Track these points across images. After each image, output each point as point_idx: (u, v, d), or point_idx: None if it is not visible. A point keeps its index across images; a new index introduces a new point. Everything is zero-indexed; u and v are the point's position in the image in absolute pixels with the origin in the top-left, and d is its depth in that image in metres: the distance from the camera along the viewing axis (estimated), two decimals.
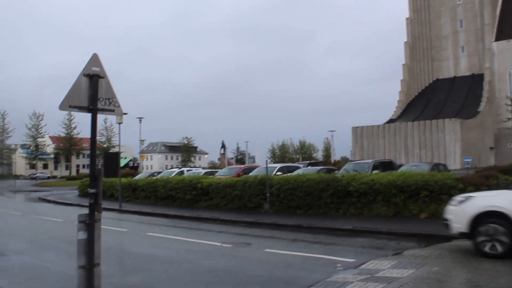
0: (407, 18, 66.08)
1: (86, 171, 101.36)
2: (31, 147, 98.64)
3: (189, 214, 19.74)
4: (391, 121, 59.26)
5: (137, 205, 25.06)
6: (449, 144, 49.68)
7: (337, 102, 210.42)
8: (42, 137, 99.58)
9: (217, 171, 32.49)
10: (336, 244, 12.13)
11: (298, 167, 27.59)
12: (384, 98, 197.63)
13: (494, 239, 9.05)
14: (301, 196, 18.29)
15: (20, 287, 8.42)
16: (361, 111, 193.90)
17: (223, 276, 8.79)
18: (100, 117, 5.62)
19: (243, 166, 34.21)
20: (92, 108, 5.51)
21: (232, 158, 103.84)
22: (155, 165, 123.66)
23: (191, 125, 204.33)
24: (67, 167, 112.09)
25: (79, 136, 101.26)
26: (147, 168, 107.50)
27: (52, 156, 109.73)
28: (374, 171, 21.20)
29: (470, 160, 34.07)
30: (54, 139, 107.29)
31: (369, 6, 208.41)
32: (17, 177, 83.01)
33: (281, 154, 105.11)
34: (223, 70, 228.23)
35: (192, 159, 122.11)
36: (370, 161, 25.41)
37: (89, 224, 5.38)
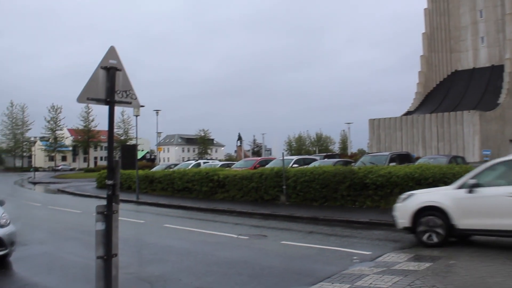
0: (425, 9, 65.27)
1: (103, 163, 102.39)
2: (50, 139, 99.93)
3: (205, 206, 19.85)
4: (408, 113, 58.73)
5: (154, 197, 25.28)
6: (467, 137, 49.11)
7: (354, 94, 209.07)
8: (61, 130, 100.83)
9: (234, 163, 32.57)
10: (353, 236, 12.10)
11: (314, 160, 27.52)
12: (401, 90, 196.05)
13: (431, 230, 10.06)
14: (318, 189, 18.27)
15: (41, 276, 8.56)
16: (378, 103, 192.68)
17: (239, 267, 8.84)
18: (117, 109, 5.67)
19: (260, 158, 34.24)
20: (110, 101, 5.55)
21: (248, 151, 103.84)
22: (172, 157, 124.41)
23: (208, 117, 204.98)
24: (85, 159, 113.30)
25: (97, 128, 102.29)
26: (164, 160, 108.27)
27: (70, 148, 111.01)
28: (391, 164, 21.06)
29: (489, 152, 33.67)
30: (72, 131, 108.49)
31: None
32: (36, 169, 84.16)
33: (297, 146, 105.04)
34: (240, 61, 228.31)
35: (209, 151, 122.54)
36: (387, 153, 25.24)
37: (107, 215, 5.44)
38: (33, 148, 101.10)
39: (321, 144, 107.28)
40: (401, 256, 9.21)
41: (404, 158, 23.96)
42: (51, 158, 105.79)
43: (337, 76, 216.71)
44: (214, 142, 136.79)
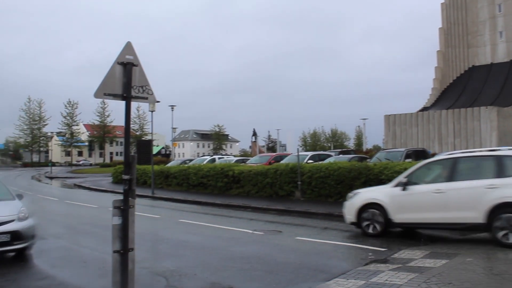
0: (442, 3, 64.46)
1: (119, 158, 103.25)
2: (66, 134, 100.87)
3: (220, 201, 19.90)
4: (424, 109, 58.21)
5: (169, 192, 25.41)
6: (484, 133, 48.53)
7: (369, 89, 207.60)
8: (77, 125, 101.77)
9: (249, 159, 32.59)
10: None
11: (329, 155, 27.42)
12: (417, 85, 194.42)
13: (373, 222, 11.33)
14: (333, 184, 18.21)
15: (59, 269, 8.67)
16: (394, 99, 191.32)
17: (254, 262, 8.86)
18: (133, 105, 5.70)
19: (274, 154, 34.18)
20: (126, 96, 5.58)
21: (263, 146, 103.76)
22: (187, 153, 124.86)
23: (222, 113, 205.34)
24: (101, 155, 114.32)
25: (113, 124, 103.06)
26: (179, 156, 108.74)
27: (86, 143, 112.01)
28: (407, 160, 20.90)
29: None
30: (88, 127, 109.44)
31: None
32: (53, 164, 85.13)
33: (312, 142, 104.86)
34: (254, 57, 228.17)
35: (224, 147, 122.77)
36: (402, 149, 25.06)
37: (124, 209, 5.48)
38: (50, 143, 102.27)
39: (336, 140, 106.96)
40: (416, 253, 9.15)
41: (420, 154, 23.76)
42: (68, 153, 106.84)
43: (352, 72, 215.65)
44: (229, 137, 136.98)
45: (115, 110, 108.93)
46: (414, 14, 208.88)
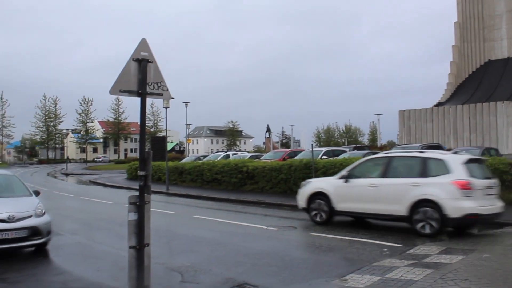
0: None
1: (133, 154, 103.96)
2: (81, 131, 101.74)
3: (234, 197, 19.93)
4: (439, 104, 57.67)
5: (183, 188, 25.51)
6: (501, 128, 47.93)
7: (384, 85, 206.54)
8: (92, 122, 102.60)
9: (263, 155, 32.58)
10: (383, 228, 11.99)
11: (343, 151, 27.32)
12: (432, 80, 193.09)
13: (319, 211, 12.78)
14: None
15: (75, 264, 8.75)
16: (409, 95, 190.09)
17: (269, 258, 8.86)
18: (147, 101, 5.71)
19: (289, 150, 34.12)
20: (141, 92, 5.61)
21: (277, 142, 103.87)
22: (201, 149, 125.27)
23: (236, 109, 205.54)
24: (116, 151, 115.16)
25: (127, 120, 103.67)
26: (193, 152, 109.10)
27: (101, 140, 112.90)
28: None
29: None
30: (102, 123, 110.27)
31: None
32: (68, 160, 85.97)
33: (326, 138, 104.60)
34: (268, 54, 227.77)
35: (237, 143, 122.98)
36: (417, 145, 24.90)
37: (139, 205, 5.51)
38: (65, 140, 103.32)
39: (350, 136, 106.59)
40: (432, 248, 9.09)
41: (435, 149, 23.54)
42: (83, 150, 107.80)
43: (366, 67, 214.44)
44: (243, 133, 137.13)
45: (129, 107, 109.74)
46: (427, 9, 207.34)
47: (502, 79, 57.54)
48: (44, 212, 9.57)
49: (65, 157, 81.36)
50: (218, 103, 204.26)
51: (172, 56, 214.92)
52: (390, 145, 60.32)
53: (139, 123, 5.79)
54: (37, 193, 10.48)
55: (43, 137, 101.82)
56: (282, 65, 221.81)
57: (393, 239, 10.38)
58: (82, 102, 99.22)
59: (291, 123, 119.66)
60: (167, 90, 5.92)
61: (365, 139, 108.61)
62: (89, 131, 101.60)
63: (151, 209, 5.74)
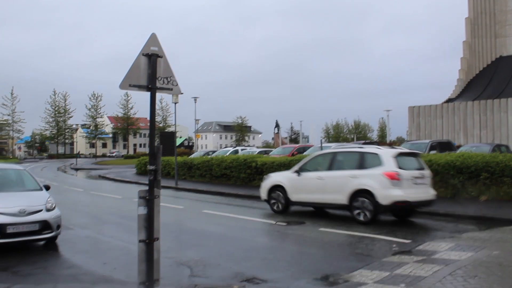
0: None
1: (143, 150, 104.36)
2: (91, 127, 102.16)
3: (243, 193, 19.95)
4: (449, 100, 57.25)
5: (192, 183, 25.58)
6: None
7: (393, 81, 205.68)
8: (101, 117, 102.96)
9: (271, 151, 32.56)
10: (392, 224, 11.96)
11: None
12: (442, 77, 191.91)
13: (277, 201, 14.28)
14: None
15: (85, 258, 8.82)
16: (418, 91, 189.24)
17: (278, 253, 8.88)
18: (156, 97, 5.72)
19: (297, 145, 34.08)
20: (151, 87, 5.62)
21: (286, 138, 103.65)
22: (210, 144, 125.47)
23: (245, 104, 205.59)
24: (125, 146, 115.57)
25: (136, 116, 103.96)
26: (201, 147, 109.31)
27: (110, 135, 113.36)
28: (432, 152, 20.65)
29: None
30: (112, 119, 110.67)
31: None
32: (78, 155, 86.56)
33: (335, 133, 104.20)
34: (276, 49, 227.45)
35: (246, 138, 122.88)
36: (427, 141, 24.74)
37: (149, 199, 5.53)
38: (75, 135, 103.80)
39: (359, 132, 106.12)
40: (441, 245, 9.05)
41: (445, 146, 23.44)
42: (92, 145, 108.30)
43: (375, 63, 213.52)
44: (252, 129, 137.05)
45: (138, 102, 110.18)
46: (437, 5, 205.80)
47: None
48: (54, 206, 9.64)
49: (75, 152, 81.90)
50: (227, 99, 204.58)
51: (181, 52, 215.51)
52: (399, 141, 60.00)
53: (148, 118, 5.81)
54: (47, 188, 10.57)
55: (53, 132, 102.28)
56: (291, 60, 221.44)
57: (402, 235, 10.35)
58: (92, 97, 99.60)
59: (300, 119, 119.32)
60: (177, 85, 5.93)
61: (374, 135, 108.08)
62: (99, 126, 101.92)
63: (160, 203, 5.76)
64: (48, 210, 9.37)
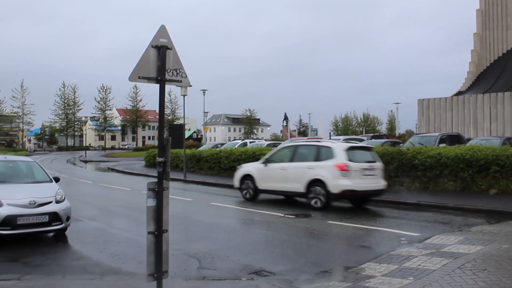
0: None
1: (151, 142, 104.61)
2: (100, 119, 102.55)
3: None
4: (459, 93, 56.82)
5: (201, 176, 25.63)
6: None
7: (403, 74, 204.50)
8: (110, 110, 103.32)
9: (280, 143, 32.50)
10: (400, 218, 11.94)
11: (361, 140, 27.14)
12: (452, 69, 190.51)
13: (248, 189, 15.70)
14: None
15: (94, 250, 8.87)
16: (428, 83, 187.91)
17: (286, 246, 8.89)
18: (165, 89, 5.72)
19: (306, 138, 34.03)
20: (160, 79, 5.61)
21: (294, 131, 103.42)
22: (218, 137, 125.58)
23: (254, 97, 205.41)
24: (133, 139, 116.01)
25: (145, 108, 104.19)
26: (210, 140, 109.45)
27: (119, 128, 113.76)
28: (441, 145, 20.54)
29: None
30: (121, 111, 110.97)
31: None
32: (87, 148, 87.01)
33: (343, 126, 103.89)
34: (285, 42, 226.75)
35: (255, 131, 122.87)
36: (436, 134, 24.61)
37: (158, 191, 5.54)
38: (84, 128, 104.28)
39: (368, 125, 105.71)
40: (450, 238, 9.02)
41: (454, 139, 23.29)
42: (101, 138, 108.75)
43: (385, 56, 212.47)
44: (260, 122, 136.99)
45: (147, 95, 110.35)
46: None
47: None
48: (64, 198, 9.70)
49: (84, 145, 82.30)
50: (236, 91, 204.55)
51: (190, 44, 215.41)
52: (408, 134, 59.69)
53: (157, 111, 5.81)
54: (57, 179, 10.63)
55: (63, 124, 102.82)
56: (300, 53, 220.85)
57: (411, 228, 10.33)
58: (101, 90, 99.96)
59: (308, 111, 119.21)
60: (186, 77, 5.92)
61: (383, 128, 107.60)
62: (108, 118, 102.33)
63: (169, 196, 5.78)
64: (57, 202, 9.43)
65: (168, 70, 5.69)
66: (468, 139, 26.78)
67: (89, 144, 74.88)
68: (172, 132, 40.94)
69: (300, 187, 13.85)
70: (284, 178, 14.46)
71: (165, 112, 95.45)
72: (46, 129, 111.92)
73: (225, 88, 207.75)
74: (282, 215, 12.53)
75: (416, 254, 7.79)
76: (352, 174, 13.09)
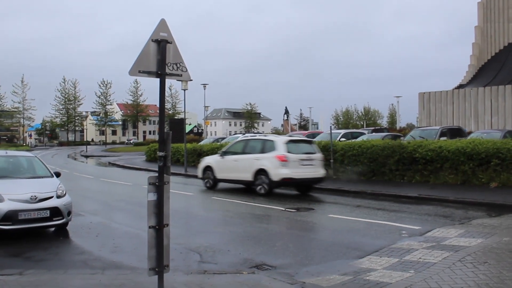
0: None
1: (152, 137, 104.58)
2: (101, 114, 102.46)
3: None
4: (460, 86, 56.69)
5: None
6: None
7: (404, 68, 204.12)
8: (111, 105, 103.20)
9: None
10: (401, 211, 11.95)
11: (362, 133, 27.09)
12: (453, 63, 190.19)
13: (208, 178, 17.66)
14: (366, 163, 18.07)
15: (95, 244, 8.89)
16: (429, 77, 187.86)
17: (287, 239, 8.91)
18: (165, 83, 5.71)
19: (307, 132, 34.04)
20: (161, 73, 5.59)
21: (295, 124, 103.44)
22: (219, 131, 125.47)
23: (254, 91, 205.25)
24: (134, 133, 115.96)
25: (145, 103, 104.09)
26: (211, 134, 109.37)
27: (120, 122, 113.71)
28: (442, 138, 20.52)
29: None
30: (121, 106, 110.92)
31: None
32: (88, 143, 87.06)
33: (344, 120, 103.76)
34: (287, 36, 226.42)
35: (256, 125, 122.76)
36: (437, 127, 24.58)
37: (159, 186, 5.54)
38: (84, 123, 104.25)
39: (369, 118, 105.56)
40: (451, 231, 9.03)
41: (455, 132, 23.26)
42: (102, 132, 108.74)
43: (386, 50, 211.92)
44: (261, 116, 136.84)
45: (148, 89, 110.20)
46: None
47: None
48: (65, 193, 9.71)
49: (85, 140, 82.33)
50: (237, 85, 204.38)
51: (191, 38, 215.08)
52: (409, 128, 59.63)
53: (157, 105, 5.80)
54: (58, 175, 10.65)
55: (63, 119, 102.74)
56: (302, 47, 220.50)
57: (411, 221, 10.34)
58: (101, 85, 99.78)
59: (309, 105, 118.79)
60: (186, 70, 5.91)
61: (384, 122, 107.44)
62: (108, 113, 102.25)
63: (170, 190, 5.78)
64: (58, 196, 9.44)
65: (168, 64, 5.68)
66: (469, 132, 26.75)
67: (92, 140, 74.84)
68: (172, 126, 40.83)
69: (249, 176, 15.68)
70: (237, 168, 16.36)
71: (166, 107, 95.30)
72: (47, 124, 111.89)
73: (226, 82, 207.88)
74: (283, 209, 12.54)
75: (417, 247, 7.80)
76: (290, 164, 14.95)
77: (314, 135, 28.38)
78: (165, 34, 5.63)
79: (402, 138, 23.52)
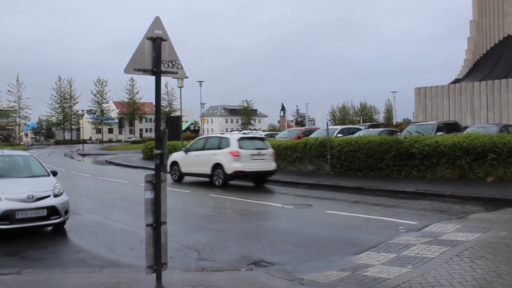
0: None
1: (149, 134, 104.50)
2: (97, 112, 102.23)
3: None
4: (456, 81, 56.76)
5: None
6: None
7: (399, 63, 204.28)
8: (107, 103, 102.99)
9: (277, 134, 32.49)
10: (398, 206, 11.97)
11: (359, 129, 27.13)
12: (449, 57, 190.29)
13: (174, 173, 19.44)
14: (362, 158, 18.09)
15: (92, 242, 8.87)
16: (425, 72, 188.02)
17: (285, 236, 8.91)
18: (162, 81, 5.69)
19: (303, 128, 34.01)
20: (156, 71, 5.58)
21: (291, 121, 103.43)
22: (216, 128, 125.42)
23: (251, 88, 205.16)
24: (131, 131, 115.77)
25: (142, 100, 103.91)
26: (207, 131, 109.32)
27: (116, 120, 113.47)
28: (438, 133, 20.56)
29: None
30: (117, 104, 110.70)
31: None
32: (84, 141, 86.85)
33: (341, 116, 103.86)
34: (282, 32, 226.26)
35: (252, 122, 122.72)
36: (434, 122, 24.62)
37: (156, 184, 5.54)
38: (81, 121, 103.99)
39: (365, 114, 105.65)
40: (448, 226, 9.06)
41: (451, 127, 23.30)
42: (98, 131, 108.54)
43: (382, 45, 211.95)
44: (257, 112, 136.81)
45: (144, 87, 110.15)
46: None
47: None
48: (62, 192, 9.69)
49: (81, 138, 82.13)
50: (233, 82, 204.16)
51: (187, 36, 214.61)
52: (406, 123, 59.75)
53: (154, 103, 5.78)
54: (54, 173, 10.62)
55: (59, 118, 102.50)
56: (297, 43, 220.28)
57: (409, 216, 10.36)
58: (97, 83, 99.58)
59: (306, 102, 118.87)
60: (182, 68, 5.89)
61: (380, 117, 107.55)
62: (104, 111, 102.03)
63: (167, 187, 5.77)
64: (55, 195, 9.42)
65: (164, 62, 5.66)
66: (465, 127, 26.81)
67: (90, 138, 74.64)
68: (169, 124, 40.94)
69: (207, 170, 17.46)
70: (198, 163, 18.09)
71: (162, 104, 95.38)
72: (43, 123, 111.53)
73: (222, 79, 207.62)
74: (281, 205, 12.55)
75: (414, 242, 7.82)
76: (242, 158, 16.70)
77: (310, 131, 28.40)
78: (160, 31, 5.61)
79: (398, 133, 23.56)
